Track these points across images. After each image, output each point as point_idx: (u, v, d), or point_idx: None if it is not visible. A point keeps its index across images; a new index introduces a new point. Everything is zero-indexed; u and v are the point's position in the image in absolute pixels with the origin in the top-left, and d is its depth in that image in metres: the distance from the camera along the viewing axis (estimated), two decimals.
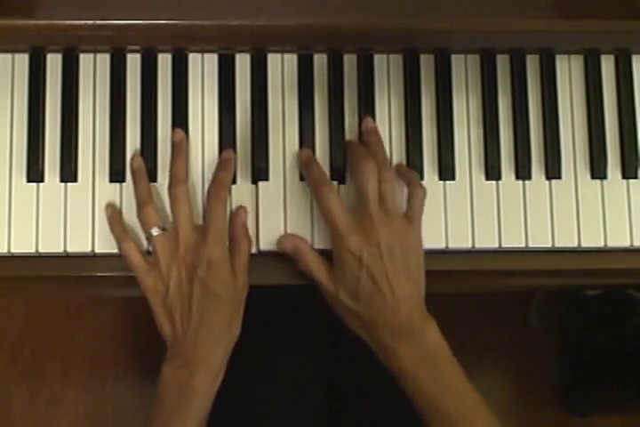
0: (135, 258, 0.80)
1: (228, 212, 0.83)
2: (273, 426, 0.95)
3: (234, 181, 0.84)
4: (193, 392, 0.77)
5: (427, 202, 0.84)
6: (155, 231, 0.79)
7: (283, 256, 0.83)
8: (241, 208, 0.83)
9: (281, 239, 0.83)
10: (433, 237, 0.84)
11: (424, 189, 0.82)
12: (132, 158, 0.83)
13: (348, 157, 0.84)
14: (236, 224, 0.82)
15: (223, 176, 0.82)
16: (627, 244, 0.85)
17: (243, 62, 0.86)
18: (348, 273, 0.78)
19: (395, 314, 0.78)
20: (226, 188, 0.82)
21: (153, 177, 0.83)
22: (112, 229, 0.82)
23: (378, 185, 0.79)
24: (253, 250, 0.83)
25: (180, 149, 0.83)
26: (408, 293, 0.79)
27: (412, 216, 0.81)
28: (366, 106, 0.85)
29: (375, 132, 0.84)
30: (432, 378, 0.77)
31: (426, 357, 0.78)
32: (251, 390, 0.95)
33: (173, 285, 0.78)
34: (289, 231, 0.83)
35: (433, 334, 0.79)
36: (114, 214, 0.82)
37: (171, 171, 0.82)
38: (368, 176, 0.79)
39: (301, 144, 0.85)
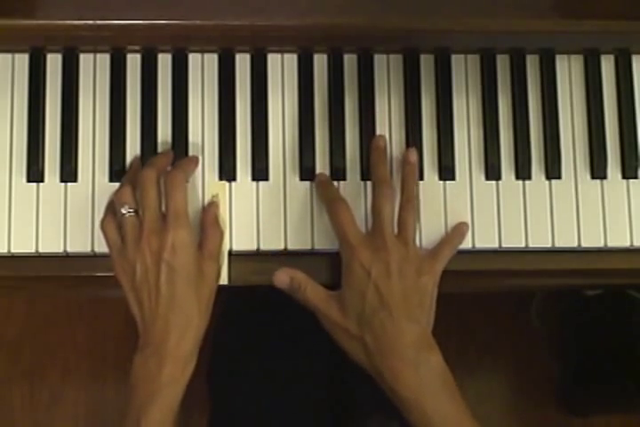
0: (111, 233, 0.79)
1: (228, 209, 0.83)
2: (273, 426, 0.95)
3: (234, 179, 0.84)
4: (162, 385, 0.76)
5: (427, 202, 0.84)
6: (124, 210, 0.78)
7: (281, 257, 0.83)
8: (213, 202, 0.83)
9: (275, 275, 0.81)
10: (433, 237, 0.84)
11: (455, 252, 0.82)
12: (133, 160, 0.84)
13: (372, 172, 0.83)
14: (207, 215, 0.82)
15: (182, 163, 0.82)
16: (627, 244, 0.85)
17: (243, 62, 0.86)
18: (356, 287, 0.77)
19: (399, 336, 0.76)
20: (181, 173, 0.80)
21: None
22: (109, 203, 0.82)
23: (397, 213, 0.79)
24: (254, 248, 0.83)
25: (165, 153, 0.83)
26: (416, 315, 0.77)
27: (433, 263, 0.80)
28: (366, 106, 0.85)
29: (415, 165, 0.83)
30: (436, 408, 0.75)
31: (431, 385, 0.76)
32: (251, 390, 0.95)
33: (139, 268, 0.77)
34: (289, 231, 0.83)
35: (439, 364, 0.77)
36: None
37: (151, 159, 0.82)
38: (385, 201, 0.80)
39: (301, 144, 0.85)
